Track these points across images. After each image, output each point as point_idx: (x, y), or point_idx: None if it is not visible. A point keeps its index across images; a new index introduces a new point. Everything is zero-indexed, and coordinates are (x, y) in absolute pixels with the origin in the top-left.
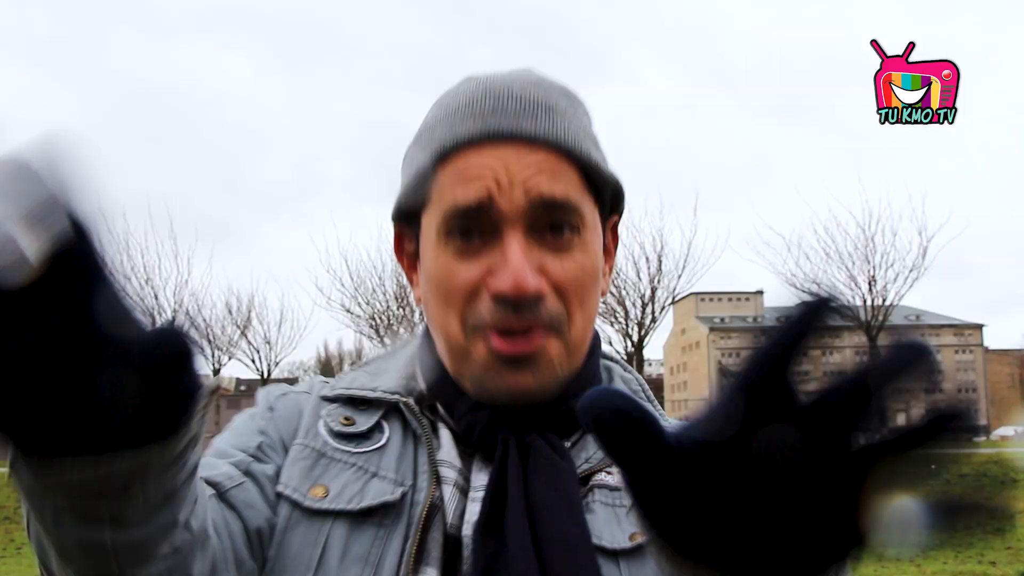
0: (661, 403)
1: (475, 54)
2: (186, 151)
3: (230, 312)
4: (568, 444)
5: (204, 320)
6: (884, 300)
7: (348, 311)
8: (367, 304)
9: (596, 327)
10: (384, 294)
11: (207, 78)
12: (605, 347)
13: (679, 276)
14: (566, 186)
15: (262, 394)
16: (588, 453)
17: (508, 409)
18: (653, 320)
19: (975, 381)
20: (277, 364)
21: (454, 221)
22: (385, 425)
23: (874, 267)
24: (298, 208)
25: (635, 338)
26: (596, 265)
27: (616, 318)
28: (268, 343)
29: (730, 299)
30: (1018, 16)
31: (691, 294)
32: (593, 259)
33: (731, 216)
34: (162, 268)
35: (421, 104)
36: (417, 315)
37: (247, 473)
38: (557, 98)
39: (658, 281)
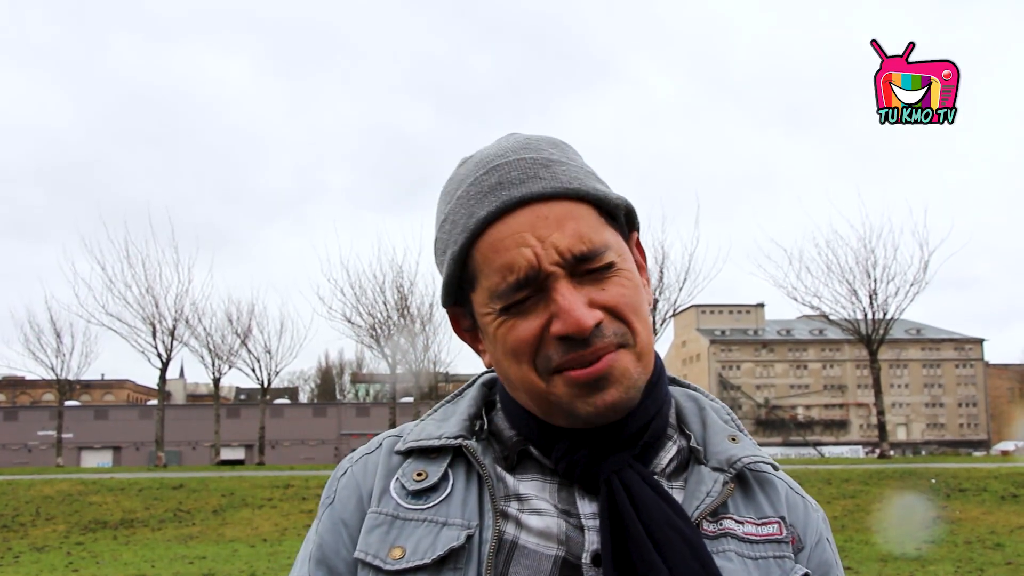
0: None
1: (476, 60)
2: (185, 156)
3: (230, 321)
4: (656, 473)
5: (204, 329)
6: (885, 314)
7: (349, 321)
8: (368, 314)
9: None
10: (385, 304)
11: (206, 82)
12: (681, 377)
13: (680, 288)
14: (590, 232)
15: (327, 486)
16: (697, 489)
17: (599, 437)
18: (654, 332)
19: (975, 395)
20: (277, 373)
21: (505, 297)
22: (450, 472)
23: (875, 280)
24: (298, 215)
25: None
26: (636, 282)
27: None
28: (268, 352)
29: (731, 312)
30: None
31: (692, 306)
32: (632, 278)
33: (733, 227)
34: (163, 277)
35: (422, 111)
36: (418, 325)
37: None
38: (548, 151)
39: (659, 293)
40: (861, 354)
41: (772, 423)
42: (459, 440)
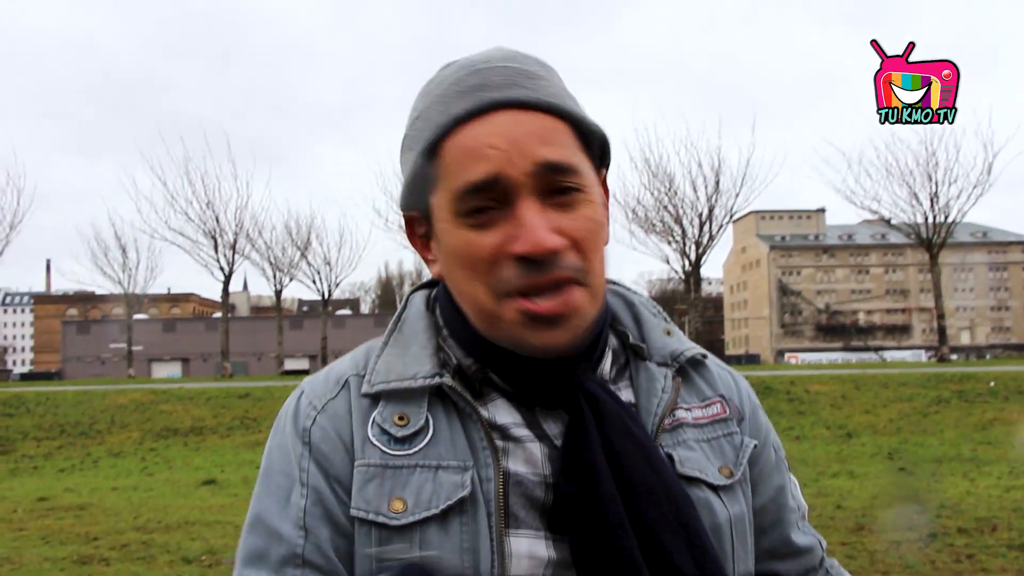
0: (720, 324)
1: None
2: (235, 70)
3: (290, 234)
4: (608, 379)
5: (265, 242)
6: (947, 217)
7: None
8: None
9: (647, 253)
10: None
11: None
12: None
13: (737, 194)
14: (565, 149)
15: (287, 426)
16: (651, 387)
17: (560, 362)
18: (711, 238)
19: None
20: (338, 285)
21: (467, 198)
22: (428, 413)
23: (936, 183)
24: (350, 128)
25: (692, 257)
26: (602, 217)
27: (673, 237)
28: (328, 264)
29: (791, 217)
30: None
31: (751, 212)
32: (598, 212)
33: (793, 131)
34: (222, 191)
35: (468, 17)
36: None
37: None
38: (534, 67)
39: (716, 199)
40: (924, 258)
41: (833, 328)
42: (436, 379)
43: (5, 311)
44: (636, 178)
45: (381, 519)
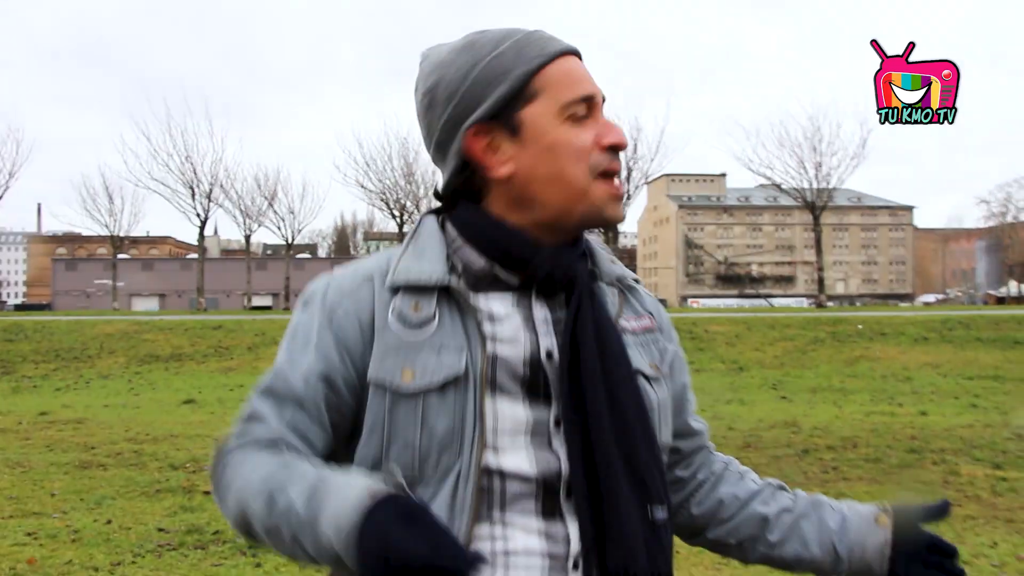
0: (634, 271)
1: None
2: (210, 31)
3: (259, 185)
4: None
5: (237, 192)
6: (828, 183)
7: (362, 186)
8: (379, 180)
9: None
10: (392, 171)
11: None
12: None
13: (652, 159)
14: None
15: (319, 301)
16: (604, 299)
17: (565, 251)
18: (628, 197)
19: (904, 255)
20: (300, 231)
21: (574, 106)
22: (437, 306)
23: (820, 154)
24: (313, 88)
25: None
26: None
27: None
28: (292, 213)
29: (697, 180)
30: None
31: (663, 175)
32: None
33: (701, 104)
34: (199, 146)
35: None
36: (422, 191)
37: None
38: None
39: (634, 163)
40: (808, 219)
41: (730, 278)
42: (445, 279)
43: (0, 249)
44: None
45: (395, 386)
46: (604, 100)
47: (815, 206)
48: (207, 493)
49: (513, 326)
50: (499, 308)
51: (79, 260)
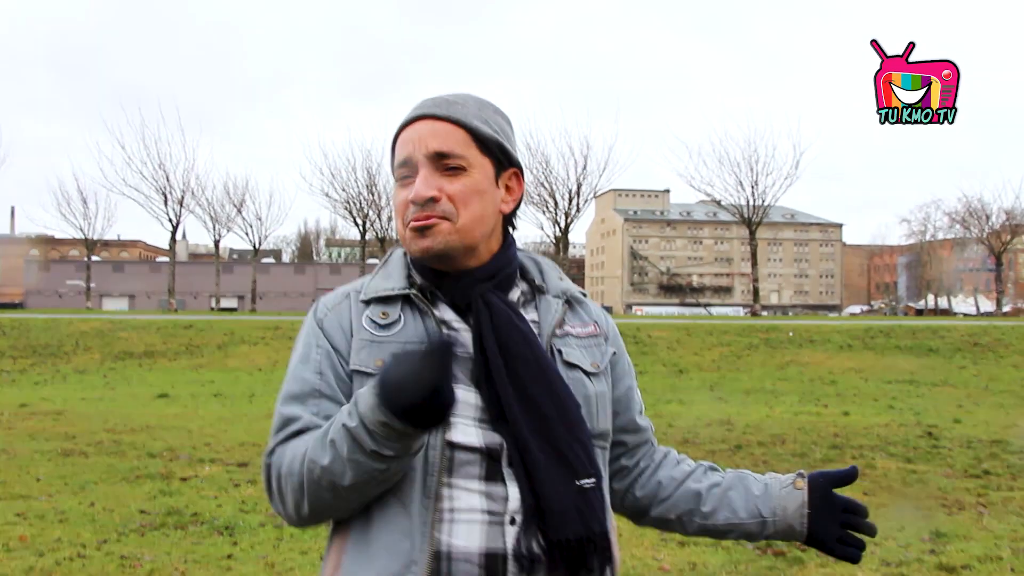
0: (582, 280)
1: None
2: (182, 43)
3: (228, 193)
4: (514, 302)
5: (207, 199)
6: (764, 201)
7: (326, 195)
8: (342, 190)
9: (526, 221)
10: (356, 182)
11: None
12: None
13: (600, 175)
14: (452, 143)
15: (312, 323)
16: (548, 309)
17: (470, 277)
18: (578, 210)
19: (833, 269)
20: (266, 237)
21: (398, 170)
22: (401, 312)
23: (757, 173)
24: (281, 101)
25: (563, 225)
26: (480, 187)
27: (547, 208)
28: (259, 219)
29: (642, 195)
30: None
31: (610, 190)
32: (476, 183)
33: (647, 123)
34: (172, 155)
35: (380, 6)
36: (383, 200)
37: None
38: (467, 101)
39: (583, 178)
40: (745, 233)
41: (672, 287)
42: (406, 290)
43: None
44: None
45: (369, 370)
46: (436, 154)
47: (751, 222)
48: (184, 480)
49: (460, 329)
50: (448, 315)
51: (51, 261)
